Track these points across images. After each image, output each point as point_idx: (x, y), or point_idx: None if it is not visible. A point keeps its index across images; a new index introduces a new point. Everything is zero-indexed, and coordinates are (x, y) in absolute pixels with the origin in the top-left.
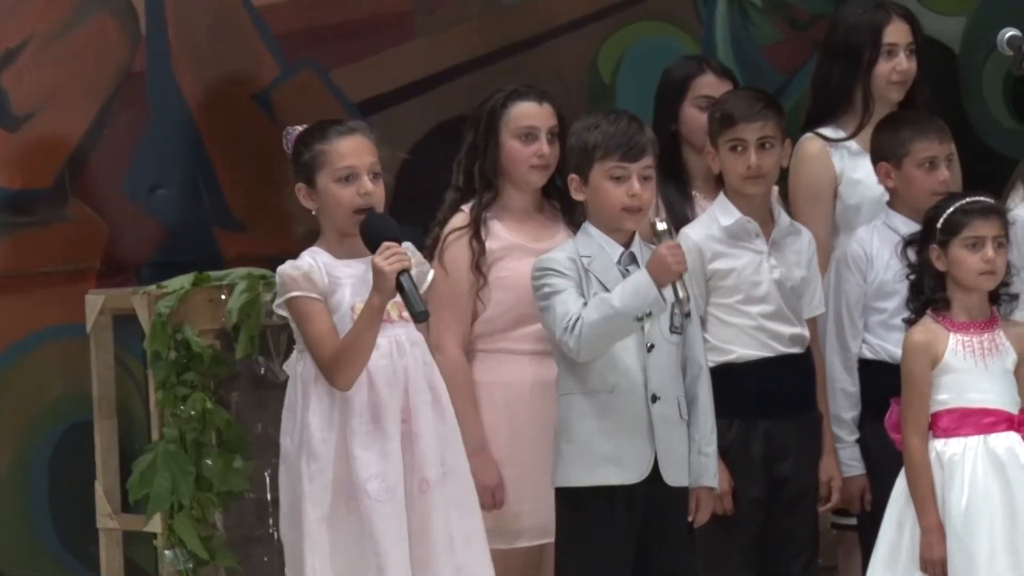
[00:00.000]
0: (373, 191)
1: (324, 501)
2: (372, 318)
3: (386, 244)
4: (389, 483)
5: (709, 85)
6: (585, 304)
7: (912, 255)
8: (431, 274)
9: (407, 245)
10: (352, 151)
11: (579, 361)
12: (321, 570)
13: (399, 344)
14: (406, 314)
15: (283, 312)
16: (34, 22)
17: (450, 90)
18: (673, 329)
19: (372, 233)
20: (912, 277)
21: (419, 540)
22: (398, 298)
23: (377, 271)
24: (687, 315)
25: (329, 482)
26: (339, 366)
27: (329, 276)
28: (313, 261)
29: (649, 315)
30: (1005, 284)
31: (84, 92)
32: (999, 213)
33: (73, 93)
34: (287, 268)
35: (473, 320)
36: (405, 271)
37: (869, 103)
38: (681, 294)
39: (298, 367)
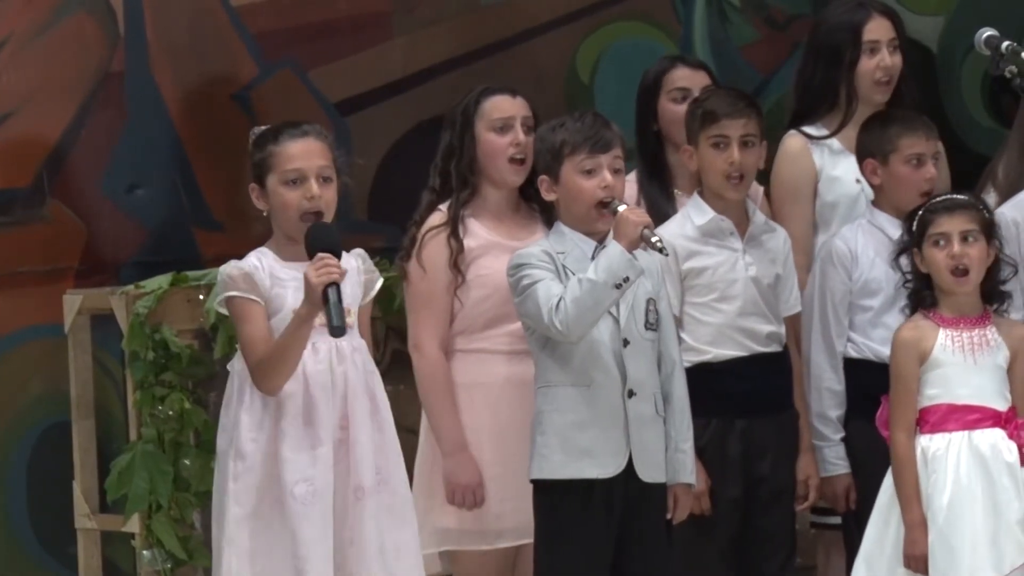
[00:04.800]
0: (319, 195)
1: (248, 501)
2: (298, 327)
3: (319, 255)
4: (317, 487)
5: (683, 77)
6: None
7: (905, 263)
8: (379, 282)
9: (358, 252)
10: (301, 154)
11: (570, 341)
12: (238, 570)
13: (339, 350)
14: (350, 320)
15: (224, 310)
16: (12, 21)
17: (429, 90)
18: (648, 326)
19: (310, 243)
20: (908, 285)
21: (350, 547)
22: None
23: (306, 282)
24: (662, 251)
25: (256, 482)
26: (265, 372)
27: (272, 278)
28: (257, 262)
29: (627, 280)
30: (1002, 281)
31: (62, 92)
32: (967, 207)
33: (51, 93)
34: (228, 267)
35: (452, 320)
36: (334, 284)
37: (852, 101)
38: (653, 239)
39: (237, 364)
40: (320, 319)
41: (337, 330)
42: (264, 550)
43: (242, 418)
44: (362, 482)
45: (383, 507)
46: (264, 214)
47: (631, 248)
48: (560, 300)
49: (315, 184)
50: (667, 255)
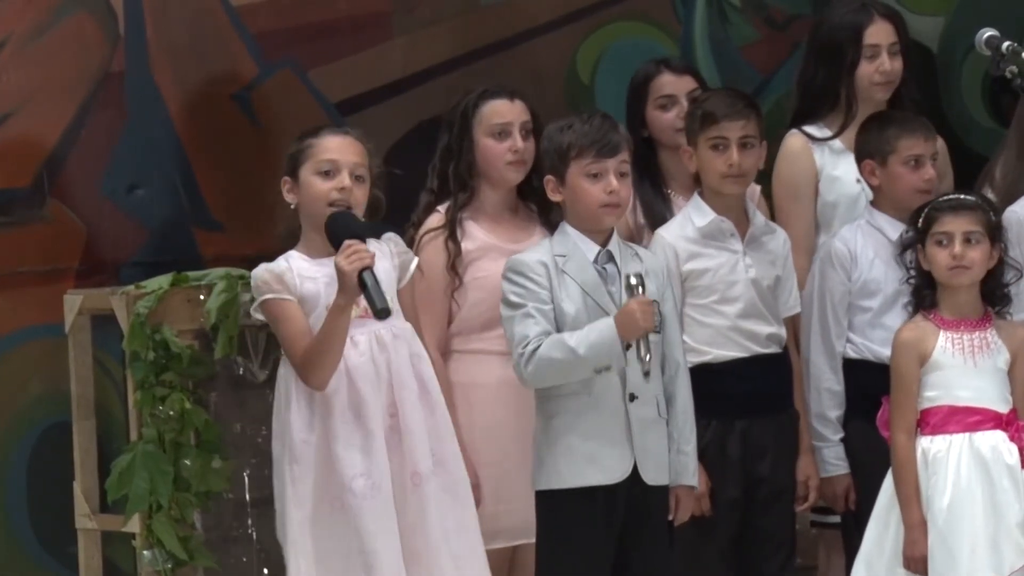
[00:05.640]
0: (351, 188)
1: (307, 503)
2: (337, 318)
3: (347, 243)
4: (374, 480)
5: (668, 84)
6: (546, 331)
7: (909, 259)
8: (415, 262)
9: (389, 235)
10: (337, 147)
11: (525, 386)
12: (306, 572)
13: (379, 339)
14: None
15: (260, 316)
16: (12, 22)
17: (429, 90)
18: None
19: (334, 232)
20: (912, 281)
21: (415, 533)
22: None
23: (339, 271)
24: (647, 374)
25: (312, 484)
26: (310, 366)
27: (301, 277)
28: (286, 263)
29: (608, 368)
30: (1004, 284)
31: (62, 92)
32: (973, 209)
33: (51, 93)
34: (259, 271)
35: (449, 321)
36: (367, 268)
37: (852, 102)
38: (643, 353)
39: (282, 369)
40: (357, 311)
41: (382, 312)
42: (330, 550)
43: (292, 421)
44: (418, 468)
45: (442, 489)
46: (292, 207)
47: (626, 340)
48: (534, 350)
49: (347, 177)
50: (648, 372)
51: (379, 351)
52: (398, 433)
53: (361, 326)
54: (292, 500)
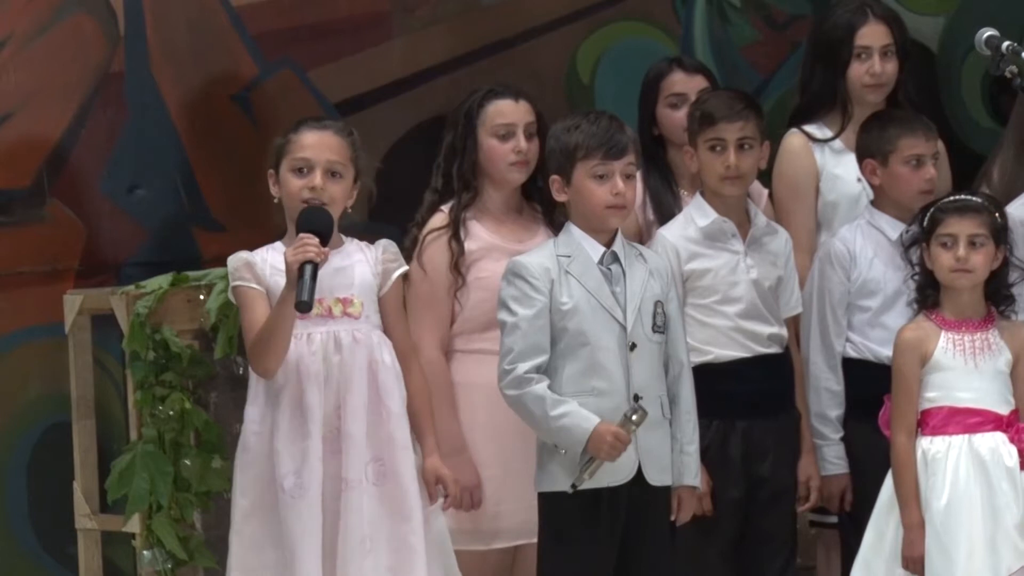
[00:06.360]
0: (323, 187)
1: (251, 493)
2: (280, 307)
3: (300, 236)
4: (303, 481)
5: (678, 83)
6: (534, 346)
7: (915, 256)
8: (400, 271)
9: (382, 242)
10: (313, 144)
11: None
12: (242, 561)
13: (337, 340)
14: (351, 310)
15: (235, 301)
16: (12, 22)
17: (428, 90)
18: (656, 329)
19: (299, 226)
20: (916, 278)
21: (338, 540)
22: (342, 294)
23: (285, 261)
24: (573, 487)
25: (258, 474)
26: (256, 353)
27: (273, 269)
28: (264, 252)
29: (564, 452)
30: (1008, 284)
31: (63, 92)
32: (979, 211)
33: (52, 93)
34: (232, 258)
35: (451, 321)
36: (310, 262)
37: (848, 102)
38: (585, 474)
39: None
40: (319, 309)
41: (302, 305)
42: (268, 542)
43: (249, 411)
44: (348, 474)
45: (377, 500)
46: (276, 200)
47: (588, 452)
48: (520, 380)
49: (319, 175)
50: (576, 484)
51: (333, 351)
52: (339, 438)
53: (321, 324)
54: (238, 488)
